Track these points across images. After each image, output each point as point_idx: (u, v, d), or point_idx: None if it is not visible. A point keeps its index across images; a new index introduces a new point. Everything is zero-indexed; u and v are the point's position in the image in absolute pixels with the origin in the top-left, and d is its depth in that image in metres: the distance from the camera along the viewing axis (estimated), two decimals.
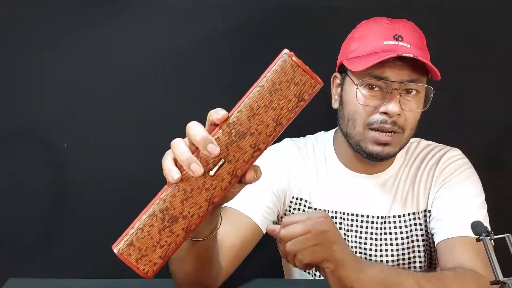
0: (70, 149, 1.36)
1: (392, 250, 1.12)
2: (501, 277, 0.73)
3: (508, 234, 0.77)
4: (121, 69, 1.34)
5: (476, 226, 0.80)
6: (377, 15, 1.10)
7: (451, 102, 1.34)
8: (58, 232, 1.39)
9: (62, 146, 1.35)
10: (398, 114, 1.02)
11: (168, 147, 0.66)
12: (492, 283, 0.74)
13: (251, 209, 1.06)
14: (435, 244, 1.06)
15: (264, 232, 1.09)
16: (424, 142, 1.17)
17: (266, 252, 1.29)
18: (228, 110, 0.63)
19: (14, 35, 1.31)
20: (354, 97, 1.04)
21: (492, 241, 0.78)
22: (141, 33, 1.32)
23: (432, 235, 1.09)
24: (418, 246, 1.12)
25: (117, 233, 0.64)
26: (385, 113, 1.02)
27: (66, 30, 1.31)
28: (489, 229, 1.03)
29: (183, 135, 0.65)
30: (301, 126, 1.23)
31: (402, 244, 1.12)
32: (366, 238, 1.12)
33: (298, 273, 1.21)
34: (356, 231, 1.12)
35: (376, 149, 1.04)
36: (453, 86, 1.32)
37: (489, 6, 1.32)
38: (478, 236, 0.79)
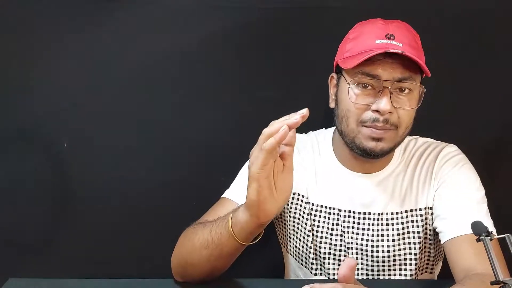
0: (70, 149, 1.36)
1: (388, 246, 1.12)
2: (501, 277, 0.73)
3: (508, 234, 0.77)
4: (122, 69, 1.33)
5: (476, 226, 0.80)
6: (377, 15, 1.11)
7: (449, 101, 1.34)
8: (58, 232, 1.39)
9: (62, 146, 1.35)
10: (390, 112, 1.02)
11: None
12: (492, 283, 0.74)
13: None
14: (442, 243, 1.07)
15: None
16: (421, 140, 1.18)
17: (266, 252, 1.29)
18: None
19: (14, 35, 1.31)
20: (347, 96, 1.05)
21: (497, 239, 0.78)
22: (142, 32, 1.32)
23: (437, 234, 1.10)
24: (414, 243, 1.12)
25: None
26: (377, 111, 1.02)
27: (66, 29, 1.31)
28: (492, 223, 1.05)
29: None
30: (303, 124, 1.24)
31: (398, 240, 1.12)
32: (363, 234, 1.13)
33: (298, 273, 1.21)
34: (353, 227, 1.13)
35: (370, 144, 1.05)
36: (451, 85, 1.33)
37: (489, 6, 1.32)
38: (478, 236, 0.78)
